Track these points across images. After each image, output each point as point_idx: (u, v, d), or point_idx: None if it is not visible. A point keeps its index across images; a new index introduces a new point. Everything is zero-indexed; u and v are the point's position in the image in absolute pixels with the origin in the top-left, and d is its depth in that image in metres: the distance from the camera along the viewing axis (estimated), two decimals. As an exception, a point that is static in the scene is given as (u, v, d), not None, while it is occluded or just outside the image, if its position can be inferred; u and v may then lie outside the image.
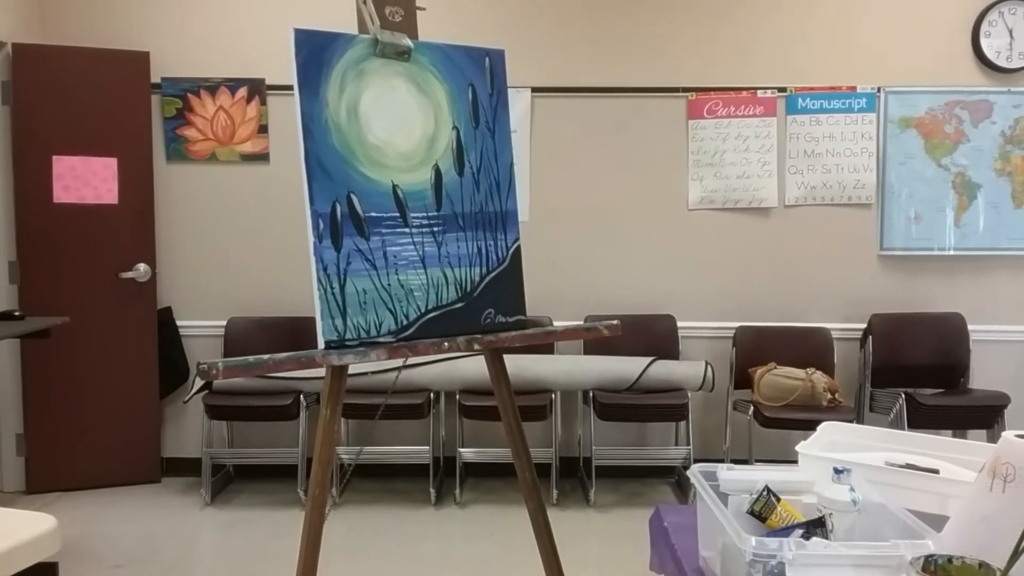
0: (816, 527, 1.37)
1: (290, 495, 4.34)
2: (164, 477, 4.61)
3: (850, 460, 1.47)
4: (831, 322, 4.53)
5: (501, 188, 1.30)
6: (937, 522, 1.30)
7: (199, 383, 4.27)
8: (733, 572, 1.19)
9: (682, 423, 4.39)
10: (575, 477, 4.61)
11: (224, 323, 4.58)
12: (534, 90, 4.55)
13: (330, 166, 1.18)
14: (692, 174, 4.57)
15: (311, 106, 1.24)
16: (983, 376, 4.44)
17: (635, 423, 4.47)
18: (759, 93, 4.51)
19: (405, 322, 1.27)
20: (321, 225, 1.20)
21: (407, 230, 1.20)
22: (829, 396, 4.13)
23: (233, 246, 4.64)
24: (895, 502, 1.37)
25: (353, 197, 1.18)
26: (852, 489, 1.37)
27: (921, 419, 4.09)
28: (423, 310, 1.25)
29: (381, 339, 1.24)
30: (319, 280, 1.23)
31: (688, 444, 4.28)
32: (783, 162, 4.53)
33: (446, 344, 1.25)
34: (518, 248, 1.38)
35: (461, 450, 4.43)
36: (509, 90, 4.52)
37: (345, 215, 1.19)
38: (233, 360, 1.50)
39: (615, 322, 1.36)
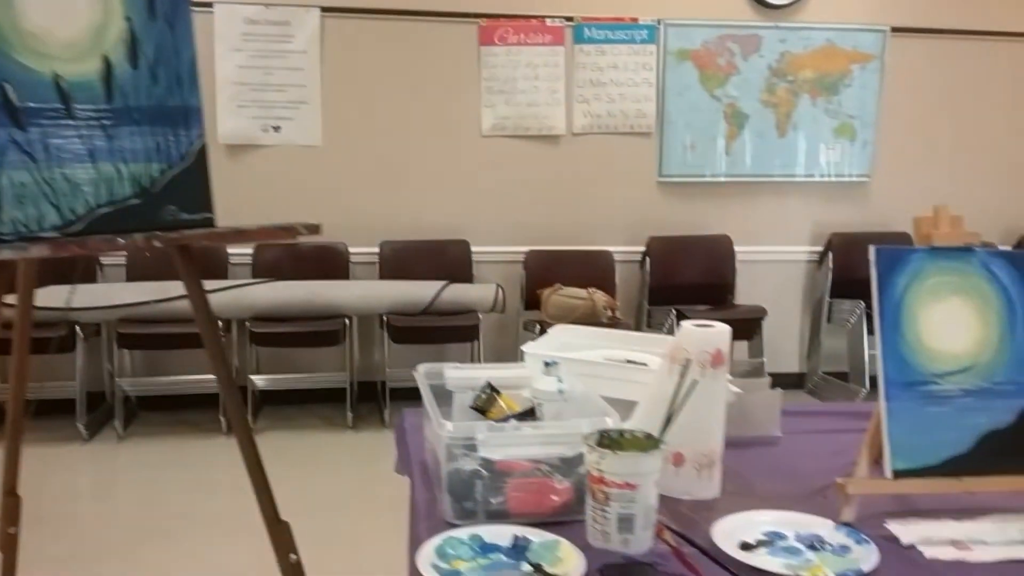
0: (527, 416, 1.49)
1: (71, 430, 4.15)
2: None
3: (564, 356, 1.59)
4: (614, 245, 4.78)
5: (183, 83, 1.28)
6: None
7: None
8: (441, 457, 1.28)
9: (475, 344, 4.53)
10: (373, 402, 4.68)
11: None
12: (324, 10, 4.44)
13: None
14: (485, 101, 4.63)
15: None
16: (747, 293, 4.85)
17: (430, 345, 4.56)
18: (548, 22, 4.61)
19: (72, 217, 1.24)
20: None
21: (72, 122, 1.17)
22: (609, 313, 4.38)
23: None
24: (605, 391, 1.51)
25: (7, 86, 1.14)
26: (560, 380, 1.49)
27: (690, 333, 4.42)
28: (93, 205, 1.23)
29: (44, 234, 1.21)
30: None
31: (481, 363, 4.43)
32: (571, 91, 4.68)
33: (121, 240, 1.24)
34: (204, 145, 1.37)
35: (252, 377, 4.38)
36: (294, 8, 4.40)
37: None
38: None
39: (316, 223, 1.39)
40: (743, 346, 4.77)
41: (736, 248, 4.83)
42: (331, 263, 4.54)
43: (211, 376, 4.23)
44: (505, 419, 1.51)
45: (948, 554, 1.21)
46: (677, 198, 4.86)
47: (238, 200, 4.46)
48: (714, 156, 4.83)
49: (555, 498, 1.29)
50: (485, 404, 1.57)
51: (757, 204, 4.94)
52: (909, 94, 4.93)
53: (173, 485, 3.56)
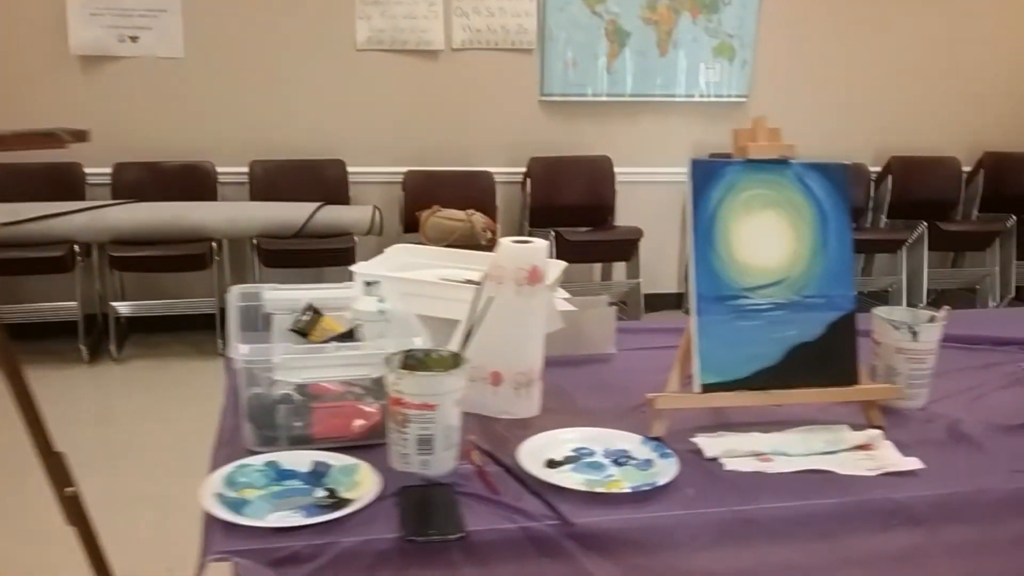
0: (347, 337, 1.43)
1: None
2: None
3: (388, 275, 1.53)
4: (495, 166, 4.71)
5: None
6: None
7: None
8: (239, 382, 1.22)
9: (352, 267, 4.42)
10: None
11: None
12: (180, -91, 4.12)
13: None
14: (359, 12, 4.43)
15: None
16: (628, 214, 4.86)
17: (305, 269, 4.44)
18: (423, -71, 4.41)
19: None
20: None
21: None
22: (488, 235, 4.34)
23: None
24: (430, 311, 1.46)
25: None
26: (381, 300, 1.44)
27: (568, 255, 4.42)
28: None
29: None
30: None
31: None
32: (449, 4, 4.51)
33: None
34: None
35: (114, 304, 4.19)
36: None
37: None
38: None
39: (83, 129, 1.27)
40: (622, 267, 4.81)
41: (616, 169, 4.82)
42: (197, 184, 4.33)
43: (68, 303, 4.03)
44: (327, 341, 1.46)
45: (748, 466, 1.23)
46: (559, 117, 4.80)
47: (94, 116, 4.19)
48: (595, 75, 4.77)
49: (360, 421, 1.24)
50: (306, 327, 1.51)
51: (638, 124, 4.93)
52: (788, 14, 4.95)
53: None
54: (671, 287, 5.25)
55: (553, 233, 4.44)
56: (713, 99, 4.97)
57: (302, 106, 4.47)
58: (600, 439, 1.28)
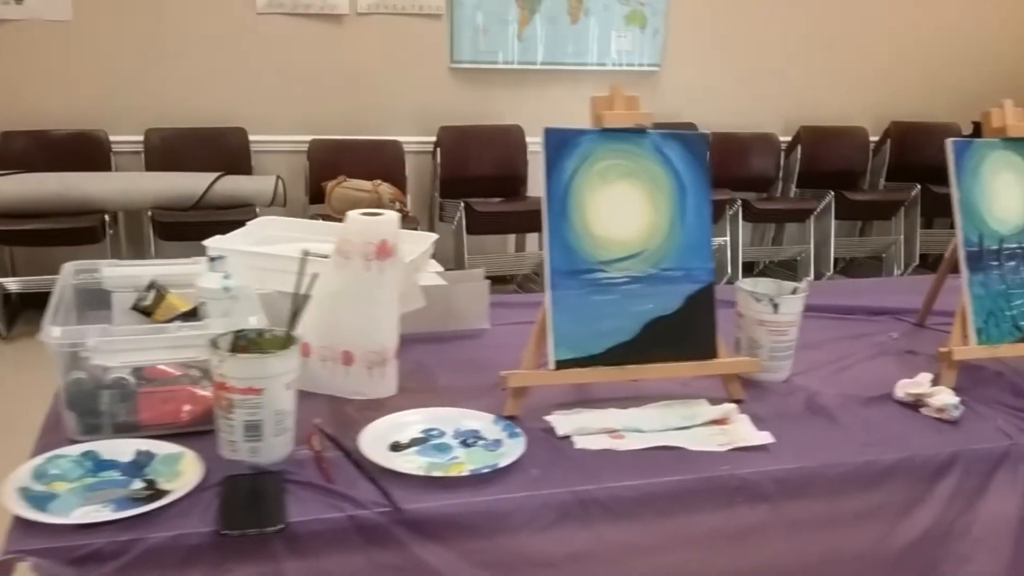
0: (191, 316, 1.36)
1: None
2: None
3: (236, 249, 1.46)
4: (404, 135, 4.60)
5: None
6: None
7: None
8: (58, 367, 1.14)
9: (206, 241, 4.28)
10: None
11: None
12: None
13: None
14: (259, -26, 4.26)
15: None
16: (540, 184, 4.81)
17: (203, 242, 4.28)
18: None
19: None
20: None
21: None
22: (397, 206, 4.25)
23: None
24: (281, 286, 1.40)
25: None
26: (227, 276, 1.36)
27: (479, 226, 4.37)
28: None
29: None
30: None
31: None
32: (353, -34, 4.37)
33: None
34: None
35: (2, 280, 3.99)
36: None
37: None
38: None
39: None
40: (534, 236, 4.78)
41: (528, 139, 4.75)
42: (90, 153, 4.12)
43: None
44: (172, 320, 1.38)
45: (598, 443, 1.20)
46: (469, 85, 4.72)
47: (-28, 82, 3.96)
48: (506, 42, 4.69)
49: (189, 407, 1.17)
50: (151, 305, 1.42)
51: (549, 93, 4.87)
52: (699, -17, 4.93)
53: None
54: (586, 257, 5.23)
55: (463, 204, 4.37)
56: (625, 68, 4.94)
57: (200, 72, 4.29)
58: (451, 419, 1.24)
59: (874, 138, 5.43)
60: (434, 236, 1.70)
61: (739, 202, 4.90)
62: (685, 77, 5.10)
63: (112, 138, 4.18)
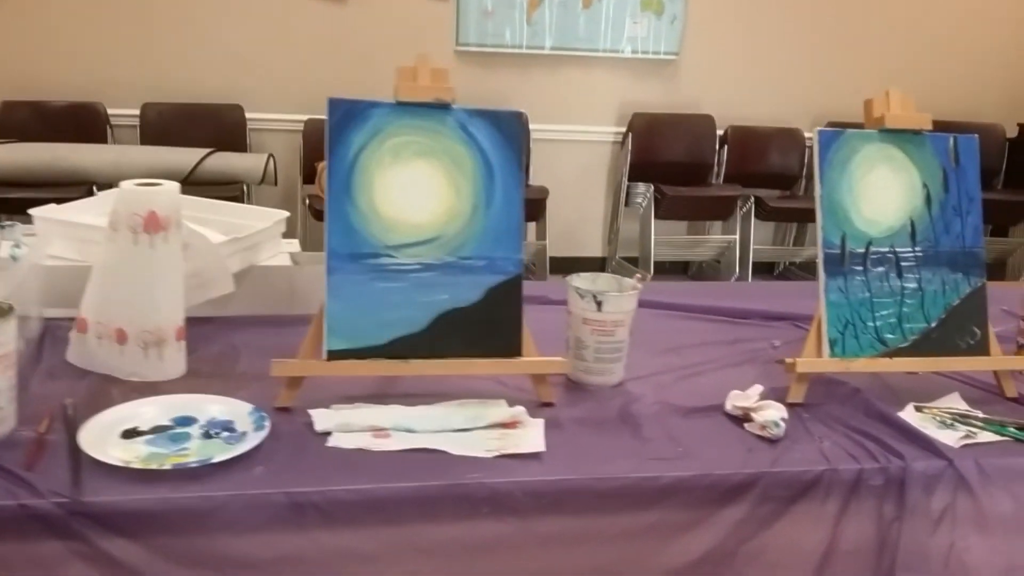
0: (-19, 287, 1.31)
1: None
2: None
3: (55, 217, 1.41)
4: (404, 117, 4.53)
5: None
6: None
7: None
8: None
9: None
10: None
11: None
12: None
13: None
14: (263, -49, 4.24)
15: None
16: (547, 174, 4.69)
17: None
18: None
19: None
20: None
21: None
22: (387, 189, 4.19)
23: None
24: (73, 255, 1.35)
25: None
26: (17, 245, 1.31)
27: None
28: None
29: None
30: None
31: None
32: (358, -56, 4.32)
33: None
34: None
35: (-10, 247, 4.06)
36: None
37: None
38: None
39: None
40: (532, 228, 4.66)
41: (534, 126, 4.63)
42: (87, 126, 4.17)
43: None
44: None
45: (355, 442, 1.10)
46: (475, 69, 4.62)
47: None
48: (514, 25, 4.58)
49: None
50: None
51: (559, 79, 4.74)
52: (722, -31, 4.73)
53: None
54: (596, 251, 5.11)
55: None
56: (640, 56, 4.77)
57: (200, 48, 4.30)
58: (210, 409, 1.16)
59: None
60: (283, 214, 1.63)
61: (752, 199, 4.70)
62: (705, 67, 4.91)
63: (110, 111, 4.22)
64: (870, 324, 1.30)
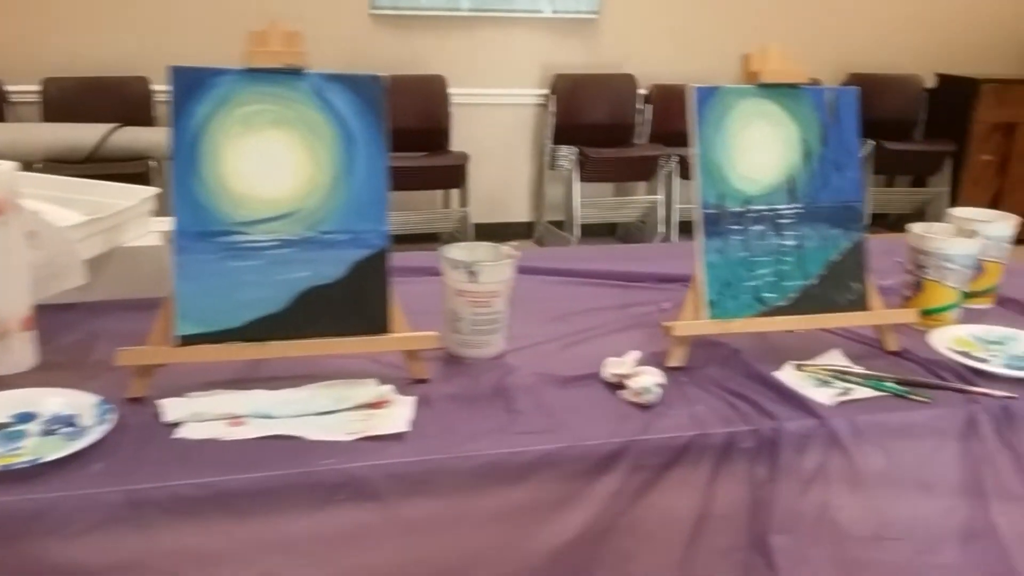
0: None
1: None
2: None
3: None
4: (319, 85, 4.40)
5: None
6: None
7: None
8: None
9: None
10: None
11: None
12: None
13: None
14: (161, -85, 4.06)
15: None
16: (469, 139, 4.62)
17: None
18: None
19: None
20: None
21: None
22: (304, 160, 4.08)
23: None
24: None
25: None
26: None
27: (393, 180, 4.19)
28: None
29: None
30: None
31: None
32: (262, -94, 4.15)
33: None
34: None
35: None
36: None
37: None
38: None
39: None
40: (455, 195, 4.60)
41: (454, 90, 4.56)
42: (-18, 103, 3.98)
43: None
44: None
45: (206, 432, 1.05)
46: (391, 33, 4.51)
47: None
48: (429, -13, 4.47)
49: None
50: None
51: (478, 42, 4.66)
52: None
53: None
54: (523, 216, 5.07)
55: (373, 158, 4.18)
56: (561, 15, 4.71)
57: (101, 18, 4.12)
58: (56, 402, 1.09)
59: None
60: (152, 191, 1.55)
61: (675, 158, 4.69)
62: (625, 26, 4.87)
63: (8, 87, 4.03)
64: (748, 284, 1.28)
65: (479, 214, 4.69)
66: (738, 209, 1.29)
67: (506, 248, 1.31)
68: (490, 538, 1.03)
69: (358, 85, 1.18)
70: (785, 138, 1.31)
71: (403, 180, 4.25)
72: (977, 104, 5.06)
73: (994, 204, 5.26)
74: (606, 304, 1.54)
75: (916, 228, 1.45)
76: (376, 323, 1.17)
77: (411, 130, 4.47)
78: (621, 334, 1.41)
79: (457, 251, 1.29)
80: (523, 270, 1.61)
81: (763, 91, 1.31)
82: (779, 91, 1.32)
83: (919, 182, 5.41)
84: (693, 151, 1.28)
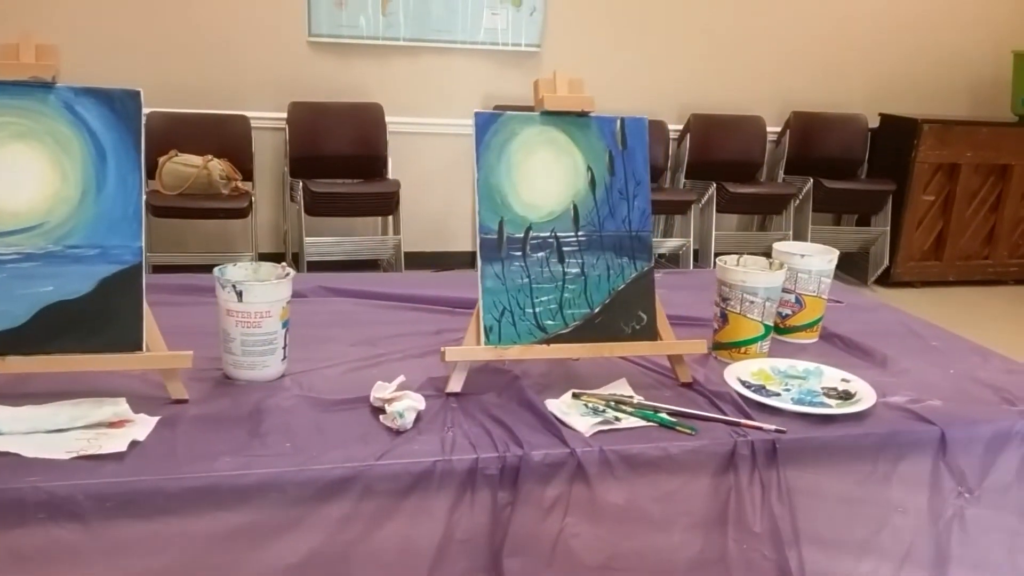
0: None
1: None
2: None
3: None
4: (255, 110, 4.41)
5: None
6: None
7: None
8: None
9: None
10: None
11: None
12: None
13: None
14: (97, -62, 4.07)
15: None
16: (405, 167, 4.62)
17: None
18: None
19: None
20: None
21: None
22: (232, 184, 4.08)
23: None
24: None
25: None
26: None
27: (319, 207, 4.19)
28: None
29: None
30: None
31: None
32: (201, -68, 4.18)
33: None
34: None
35: None
36: None
37: None
38: None
39: None
40: (390, 223, 4.59)
41: (392, 118, 4.56)
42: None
43: None
44: None
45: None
46: (329, 60, 4.52)
47: None
48: (368, 14, 4.49)
49: None
50: None
51: (418, 71, 4.67)
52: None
53: None
54: (465, 245, 5.05)
55: (301, 183, 4.18)
56: (501, 47, 4.73)
57: (21, 32, 4.11)
58: None
59: (775, 129, 5.22)
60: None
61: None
62: (568, 59, 4.89)
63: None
64: (529, 311, 1.26)
65: (420, 243, 4.68)
66: (519, 235, 1.27)
67: (283, 269, 1.29)
68: (204, 561, 1.00)
69: (112, 100, 1.16)
70: (571, 166, 1.30)
71: (335, 206, 4.25)
72: (919, 144, 5.08)
73: (937, 244, 5.28)
74: (422, 329, 1.52)
75: (723, 261, 1.44)
76: (127, 341, 1.15)
77: (348, 156, 4.47)
78: (418, 359, 1.39)
79: (232, 271, 1.27)
80: (356, 294, 1.60)
81: (549, 119, 1.31)
82: (566, 119, 1.31)
83: (864, 221, 5.42)
84: (474, 176, 1.26)
